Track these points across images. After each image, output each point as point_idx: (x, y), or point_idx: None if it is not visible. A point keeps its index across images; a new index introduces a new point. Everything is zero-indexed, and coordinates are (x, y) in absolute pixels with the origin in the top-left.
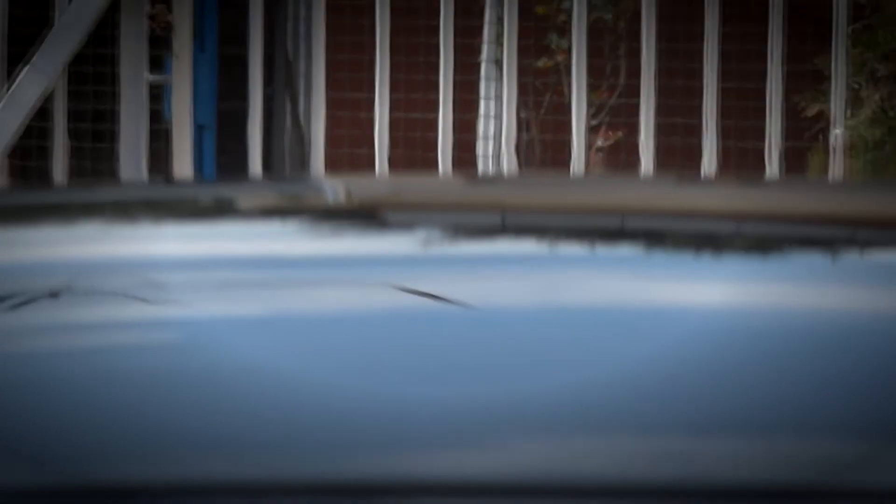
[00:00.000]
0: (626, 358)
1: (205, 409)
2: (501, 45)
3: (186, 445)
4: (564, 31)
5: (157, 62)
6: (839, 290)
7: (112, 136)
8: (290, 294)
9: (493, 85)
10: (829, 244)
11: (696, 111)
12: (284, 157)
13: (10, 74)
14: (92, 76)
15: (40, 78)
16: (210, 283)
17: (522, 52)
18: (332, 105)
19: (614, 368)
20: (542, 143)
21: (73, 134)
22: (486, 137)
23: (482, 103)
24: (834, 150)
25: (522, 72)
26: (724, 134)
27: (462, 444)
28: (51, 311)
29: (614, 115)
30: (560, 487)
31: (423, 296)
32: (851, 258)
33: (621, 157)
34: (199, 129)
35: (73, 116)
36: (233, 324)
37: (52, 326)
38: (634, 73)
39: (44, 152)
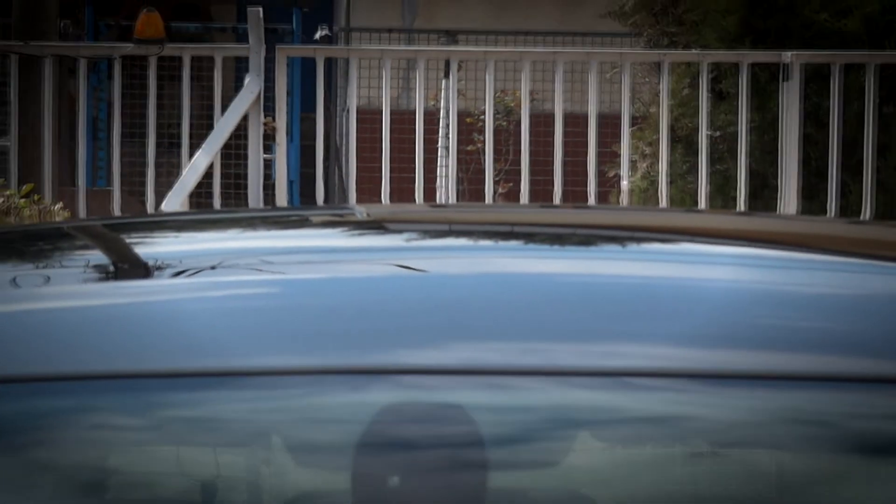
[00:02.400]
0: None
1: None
2: (448, 138)
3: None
4: (481, 130)
5: (267, 148)
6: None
7: (245, 187)
8: (338, 264)
9: (444, 160)
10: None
11: (550, 175)
12: (335, 196)
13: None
14: (234, 155)
15: (207, 156)
16: (298, 259)
17: (460, 142)
18: (359, 171)
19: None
20: (470, 190)
21: (223, 186)
22: (441, 186)
23: (439, 169)
24: (622, 193)
25: (460, 153)
26: (566, 179)
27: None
28: (217, 275)
29: (507, 176)
30: None
31: (405, 268)
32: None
33: (512, 198)
34: (290, 183)
35: (224, 177)
36: (309, 281)
37: (217, 284)
38: (517, 153)
39: (209, 196)
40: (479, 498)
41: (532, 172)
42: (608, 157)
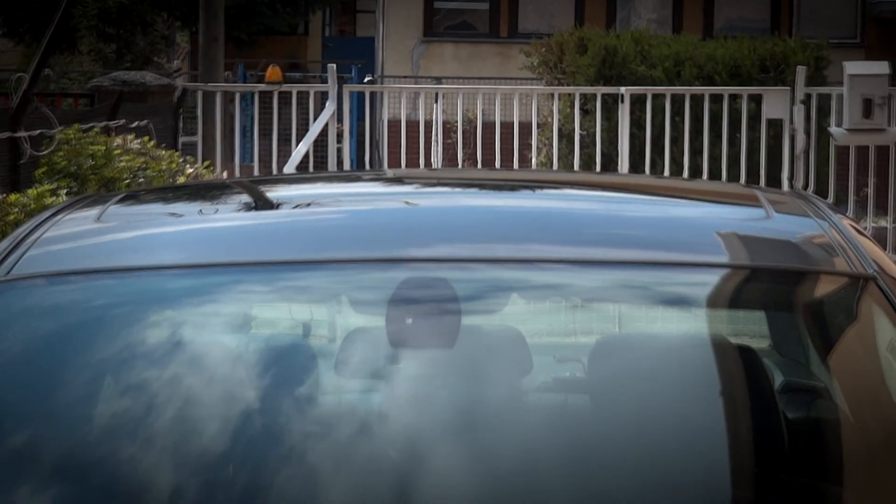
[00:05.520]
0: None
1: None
2: (438, 135)
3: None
4: (455, 131)
5: (339, 139)
6: None
7: (326, 162)
8: (375, 201)
9: (435, 147)
10: None
11: (493, 155)
12: (375, 164)
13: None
14: (320, 145)
15: (305, 145)
16: (355, 197)
17: (444, 138)
18: (388, 154)
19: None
20: (449, 163)
21: (315, 161)
22: (434, 161)
23: (432, 152)
24: (532, 165)
25: (444, 143)
26: (502, 157)
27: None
28: (311, 205)
29: (469, 156)
30: None
31: (412, 203)
32: None
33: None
34: (350, 161)
35: (315, 157)
36: (360, 210)
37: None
38: (475, 144)
39: (307, 165)
40: (456, 326)
41: (483, 154)
42: (525, 146)
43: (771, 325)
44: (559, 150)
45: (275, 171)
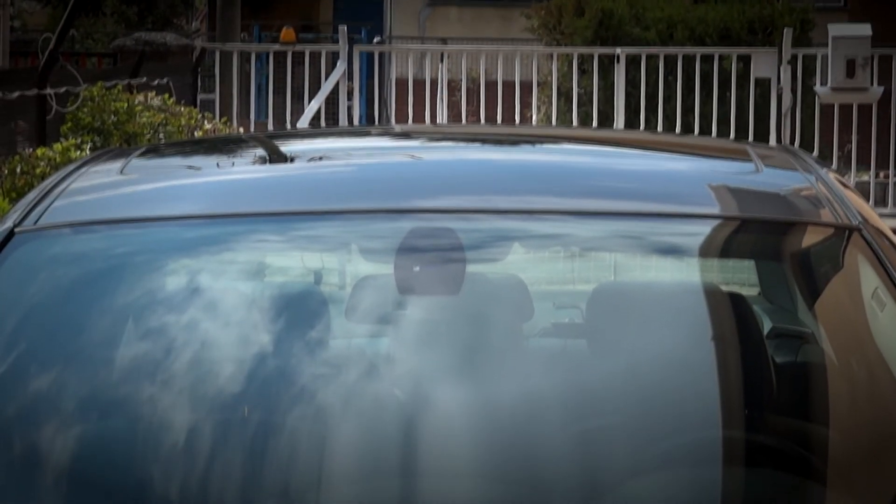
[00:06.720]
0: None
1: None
2: (442, 93)
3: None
4: (459, 89)
5: (350, 97)
6: None
7: (337, 118)
8: (383, 154)
9: (441, 104)
10: None
11: (496, 112)
12: (383, 119)
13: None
14: (331, 101)
15: (318, 102)
16: (364, 150)
17: (448, 95)
18: (396, 111)
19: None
20: (453, 119)
21: (326, 116)
22: (439, 117)
23: (438, 108)
24: (533, 121)
25: (448, 101)
26: (503, 115)
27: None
28: (322, 158)
29: (473, 113)
30: None
31: (417, 156)
32: None
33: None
34: (360, 117)
35: (326, 113)
36: (368, 163)
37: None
38: (479, 101)
39: (319, 121)
40: (461, 273)
41: (486, 112)
42: (525, 104)
43: (760, 273)
44: (558, 107)
45: (288, 127)
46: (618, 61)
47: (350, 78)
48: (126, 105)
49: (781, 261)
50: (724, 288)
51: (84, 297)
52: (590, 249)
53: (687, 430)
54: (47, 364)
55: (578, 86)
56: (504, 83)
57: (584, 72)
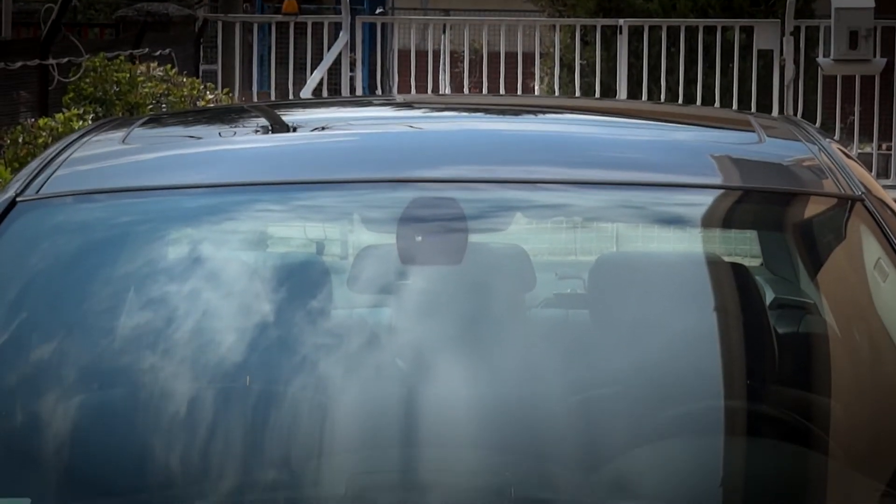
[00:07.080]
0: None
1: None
2: (445, 63)
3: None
4: (462, 60)
5: (352, 67)
6: None
7: (340, 87)
8: (385, 124)
9: (443, 74)
10: None
11: (498, 82)
12: (385, 90)
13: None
14: (334, 72)
15: (321, 72)
16: (366, 120)
17: (451, 66)
18: (399, 81)
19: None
20: (456, 89)
21: (329, 86)
22: (441, 86)
23: (440, 78)
24: (536, 93)
25: (451, 71)
26: (506, 85)
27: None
28: (325, 127)
29: (475, 83)
30: None
31: (418, 127)
32: None
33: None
34: (363, 88)
35: (329, 83)
36: (371, 132)
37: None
38: (481, 72)
39: (322, 91)
40: (463, 243)
41: (489, 83)
42: (528, 75)
43: (763, 244)
44: (560, 78)
45: (291, 98)
46: (620, 32)
47: (352, 49)
48: (128, 75)
49: (784, 231)
50: (727, 258)
51: (86, 267)
52: (592, 220)
53: (689, 400)
54: (49, 333)
55: (581, 57)
56: (507, 54)
57: (587, 43)
